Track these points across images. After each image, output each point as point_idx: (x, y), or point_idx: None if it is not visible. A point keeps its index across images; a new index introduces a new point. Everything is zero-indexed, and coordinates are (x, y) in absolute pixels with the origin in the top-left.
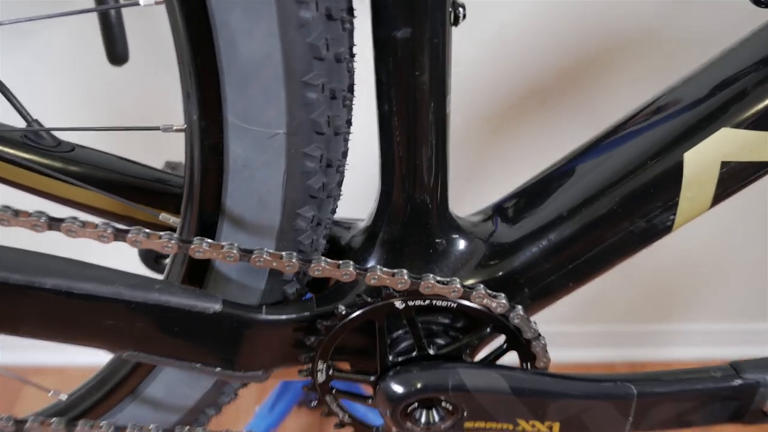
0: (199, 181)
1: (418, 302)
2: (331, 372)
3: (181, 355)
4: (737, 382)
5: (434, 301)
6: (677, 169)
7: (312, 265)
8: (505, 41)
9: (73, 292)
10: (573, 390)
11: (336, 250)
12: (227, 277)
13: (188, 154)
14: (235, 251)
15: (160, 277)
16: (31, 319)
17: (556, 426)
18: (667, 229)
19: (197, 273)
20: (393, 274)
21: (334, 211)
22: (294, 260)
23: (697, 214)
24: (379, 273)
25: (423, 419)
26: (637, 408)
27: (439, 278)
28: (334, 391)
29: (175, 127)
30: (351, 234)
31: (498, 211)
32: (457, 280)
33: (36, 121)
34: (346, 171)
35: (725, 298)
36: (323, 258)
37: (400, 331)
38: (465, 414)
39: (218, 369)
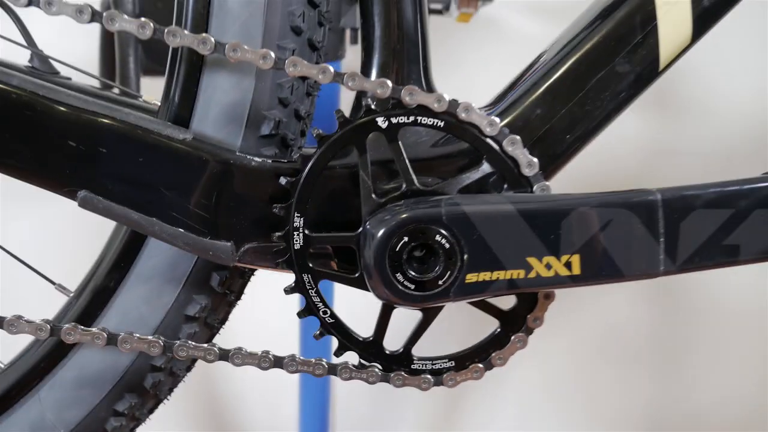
0: None
1: (402, 119)
2: (308, 231)
3: (140, 202)
4: None
5: (419, 118)
6: None
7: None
8: None
9: (39, 93)
10: (587, 201)
11: None
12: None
13: None
14: None
15: None
16: None
17: (576, 261)
18: (655, 62)
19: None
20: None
21: None
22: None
23: (682, 43)
24: (357, 78)
25: (415, 271)
26: (666, 221)
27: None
28: (312, 267)
29: None
30: None
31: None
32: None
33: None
34: None
35: None
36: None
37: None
38: (465, 261)
39: (181, 230)
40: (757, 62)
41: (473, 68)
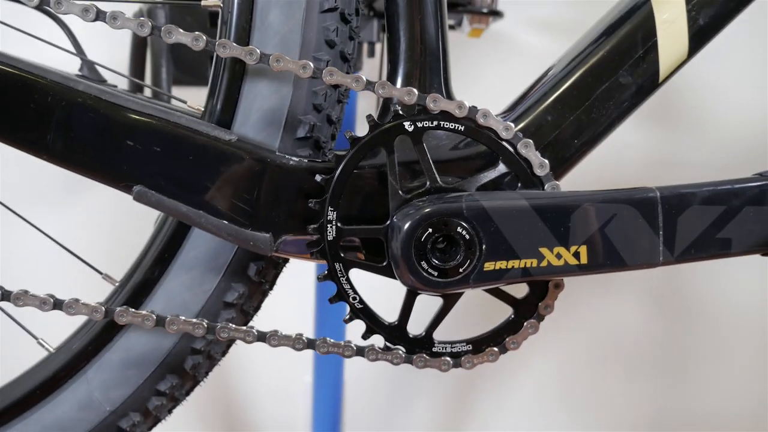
0: None
1: (427, 123)
2: (340, 224)
3: (188, 196)
4: (763, 181)
5: (442, 123)
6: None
7: (325, 70)
8: None
9: (102, 98)
10: (593, 197)
11: None
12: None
13: None
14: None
15: None
16: (53, 123)
17: (583, 251)
18: (655, 75)
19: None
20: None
21: None
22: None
23: (680, 57)
24: (386, 87)
25: (438, 259)
26: (665, 216)
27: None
28: (343, 257)
29: None
30: None
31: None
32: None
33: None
34: None
35: None
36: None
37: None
38: (483, 251)
39: (225, 222)
40: (757, 72)
41: (487, 81)
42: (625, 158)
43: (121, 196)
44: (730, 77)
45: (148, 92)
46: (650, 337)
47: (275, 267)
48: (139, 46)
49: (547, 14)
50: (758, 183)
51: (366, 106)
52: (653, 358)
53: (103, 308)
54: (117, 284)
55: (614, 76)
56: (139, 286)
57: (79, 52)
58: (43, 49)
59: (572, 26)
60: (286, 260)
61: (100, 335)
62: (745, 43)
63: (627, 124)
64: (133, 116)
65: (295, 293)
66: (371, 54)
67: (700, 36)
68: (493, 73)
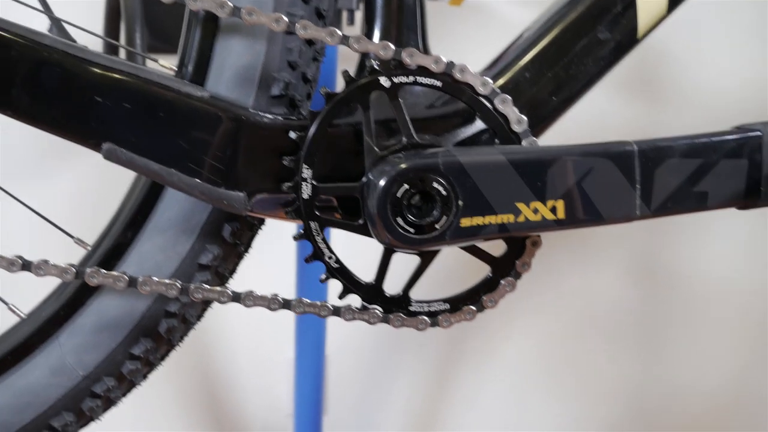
0: None
1: (403, 79)
2: (315, 182)
3: (160, 154)
4: (740, 134)
5: (418, 78)
6: None
7: (298, 24)
8: None
9: (69, 52)
10: (570, 151)
11: None
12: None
13: None
14: None
15: None
16: (18, 78)
17: (560, 205)
18: (633, 31)
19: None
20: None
21: None
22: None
23: (658, 14)
24: (362, 41)
25: (414, 216)
26: (642, 169)
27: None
28: (319, 215)
29: None
30: None
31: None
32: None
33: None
34: None
35: None
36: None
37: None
38: (460, 206)
39: (197, 181)
40: (746, 53)
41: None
42: (605, 128)
43: (102, 166)
44: (713, 45)
45: (122, 54)
46: (628, 309)
47: (250, 229)
48: (112, 8)
49: None
50: (736, 136)
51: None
52: (632, 330)
53: (74, 269)
54: (89, 248)
55: (592, 31)
56: (111, 250)
57: (47, 10)
58: (9, 7)
59: None
60: (262, 222)
61: (72, 299)
62: (731, 10)
63: (606, 94)
64: (101, 72)
65: (276, 257)
66: (351, 22)
67: None
68: (473, 43)
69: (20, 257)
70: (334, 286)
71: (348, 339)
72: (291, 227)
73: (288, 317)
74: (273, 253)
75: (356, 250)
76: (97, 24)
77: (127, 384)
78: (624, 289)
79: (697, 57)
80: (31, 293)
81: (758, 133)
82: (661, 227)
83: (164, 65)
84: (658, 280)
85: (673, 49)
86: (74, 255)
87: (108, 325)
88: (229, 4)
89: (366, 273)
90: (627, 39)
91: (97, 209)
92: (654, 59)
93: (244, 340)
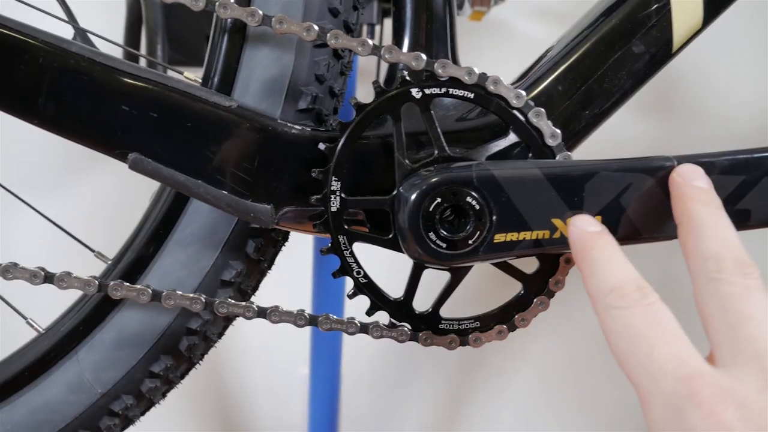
0: None
1: (435, 90)
2: (344, 195)
3: (186, 164)
4: None
5: (450, 90)
6: None
7: (329, 33)
8: None
9: (96, 60)
10: (608, 166)
11: None
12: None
13: None
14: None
15: None
16: (45, 87)
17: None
18: (668, 44)
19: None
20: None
21: None
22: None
23: (694, 26)
24: (394, 51)
25: (447, 231)
26: None
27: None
28: (347, 229)
29: None
30: None
31: None
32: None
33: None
34: None
35: None
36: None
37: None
38: (494, 221)
39: (224, 192)
40: (759, 66)
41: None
42: (627, 151)
43: (122, 180)
44: (733, 70)
45: (143, 64)
46: None
47: (274, 245)
48: (134, 20)
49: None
50: None
51: (364, 91)
52: None
53: (97, 282)
54: (110, 262)
55: (627, 45)
56: (132, 264)
57: (72, 20)
58: (35, 18)
59: (578, 14)
60: (285, 239)
61: (92, 314)
62: (748, 34)
63: (629, 117)
64: (129, 80)
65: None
66: (371, 36)
67: (714, 4)
68: (493, 58)
69: (42, 269)
70: (353, 302)
71: (363, 362)
72: (304, 242)
73: (302, 333)
74: (287, 268)
75: (381, 267)
76: (118, 36)
77: (145, 402)
78: None
79: (716, 70)
80: (46, 307)
81: None
82: (676, 246)
83: (189, 77)
84: (672, 298)
85: (691, 62)
86: (92, 268)
87: (128, 341)
88: (260, 12)
89: (390, 290)
90: (662, 52)
91: (113, 222)
92: (672, 73)
93: (259, 355)
